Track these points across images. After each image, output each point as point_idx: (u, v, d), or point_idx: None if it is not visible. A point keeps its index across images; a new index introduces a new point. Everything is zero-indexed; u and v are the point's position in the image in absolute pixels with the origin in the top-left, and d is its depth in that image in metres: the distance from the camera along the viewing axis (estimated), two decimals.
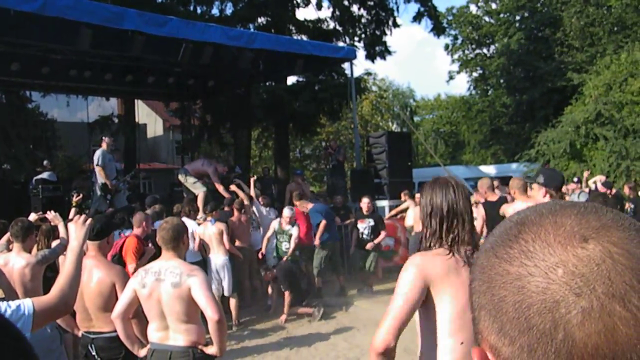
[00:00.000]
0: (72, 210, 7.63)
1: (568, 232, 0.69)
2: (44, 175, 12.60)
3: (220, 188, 12.20)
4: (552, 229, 0.70)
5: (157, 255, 4.42)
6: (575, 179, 14.20)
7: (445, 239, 2.70)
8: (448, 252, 2.64)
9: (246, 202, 10.71)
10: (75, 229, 3.14)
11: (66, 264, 3.00)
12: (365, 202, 11.34)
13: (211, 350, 4.07)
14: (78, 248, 3.05)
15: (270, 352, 7.98)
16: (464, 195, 2.81)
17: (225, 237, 9.33)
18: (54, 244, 6.14)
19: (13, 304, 2.49)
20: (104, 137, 12.35)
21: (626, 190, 12.24)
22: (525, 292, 0.67)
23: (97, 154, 11.88)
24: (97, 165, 11.73)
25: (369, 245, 11.13)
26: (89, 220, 3.22)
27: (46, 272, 5.74)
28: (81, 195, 10.93)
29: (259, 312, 10.12)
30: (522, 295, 0.68)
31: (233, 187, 11.14)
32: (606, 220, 0.70)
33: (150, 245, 7.47)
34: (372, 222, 11.28)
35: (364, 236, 11.28)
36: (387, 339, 2.46)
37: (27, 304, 2.56)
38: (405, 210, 13.11)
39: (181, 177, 12.66)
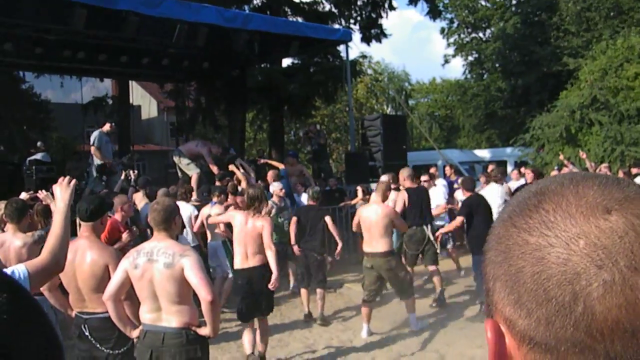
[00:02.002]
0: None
1: (590, 203, 0.67)
2: (38, 156, 12.53)
3: (214, 169, 12.17)
4: (573, 199, 0.68)
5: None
6: (569, 162, 14.22)
7: (250, 208, 6.76)
8: (245, 211, 6.84)
9: (243, 183, 10.56)
10: (61, 191, 3.24)
11: (54, 224, 3.10)
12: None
13: (204, 331, 4.07)
14: (64, 209, 3.15)
15: (273, 338, 8.00)
16: (260, 191, 6.98)
17: (196, 220, 9.22)
18: None
19: (7, 270, 2.52)
20: (108, 122, 12.31)
21: (620, 175, 12.25)
22: (545, 263, 0.65)
23: (94, 134, 11.77)
24: (92, 145, 11.68)
25: None
26: (74, 181, 3.28)
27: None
28: (74, 180, 10.86)
29: None
30: (542, 266, 0.66)
31: (231, 167, 10.93)
32: (629, 192, 0.68)
33: (134, 227, 7.39)
34: None
35: None
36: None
37: (20, 269, 2.65)
38: None
39: (175, 159, 12.64)
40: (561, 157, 14.19)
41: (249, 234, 6.66)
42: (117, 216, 7.46)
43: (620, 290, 0.62)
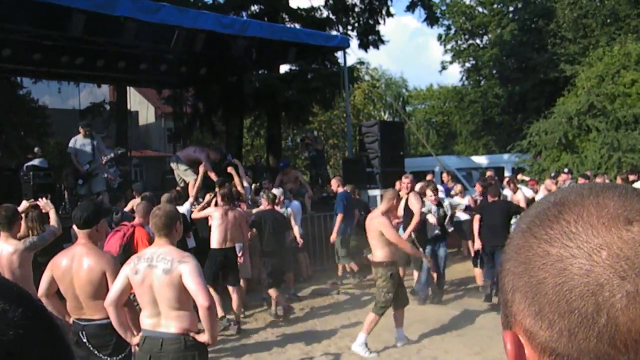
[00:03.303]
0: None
1: (612, 213, 0.67)
2: (35, 162, 12.50)
3: (212, 175, 12.16)
4: (595, 210, 0.68)
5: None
6: (566, 170, 14.24)
7: (221, 203, 8.68)
8: (222, 207, 8.68)
9: (239, 187, 10.57)
10: None
11: None
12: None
13: (203, 338, 4.06)
14: None
15: (271, 346, 7.99)
16: (230, 190, 9.03)
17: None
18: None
19: None
20: (80, 126, 12.28)
21: (619, 181, 12.25)
22: (567, 274, 0.65)
23: (70, 142, 12.03)
24: (68, 152, 12.02)
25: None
26: None
27: (37, 257, 5.74)
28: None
29: (254, 302, 10.03)
30: (564, 277, 0.65)
31: (230, 170, 10.96)
32: None
33: None
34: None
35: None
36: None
37: None
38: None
39: (173, 165, 12.64)
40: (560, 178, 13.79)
41: (230, 223, 8.63)
42: (140, 221, 7.35)
43: None
